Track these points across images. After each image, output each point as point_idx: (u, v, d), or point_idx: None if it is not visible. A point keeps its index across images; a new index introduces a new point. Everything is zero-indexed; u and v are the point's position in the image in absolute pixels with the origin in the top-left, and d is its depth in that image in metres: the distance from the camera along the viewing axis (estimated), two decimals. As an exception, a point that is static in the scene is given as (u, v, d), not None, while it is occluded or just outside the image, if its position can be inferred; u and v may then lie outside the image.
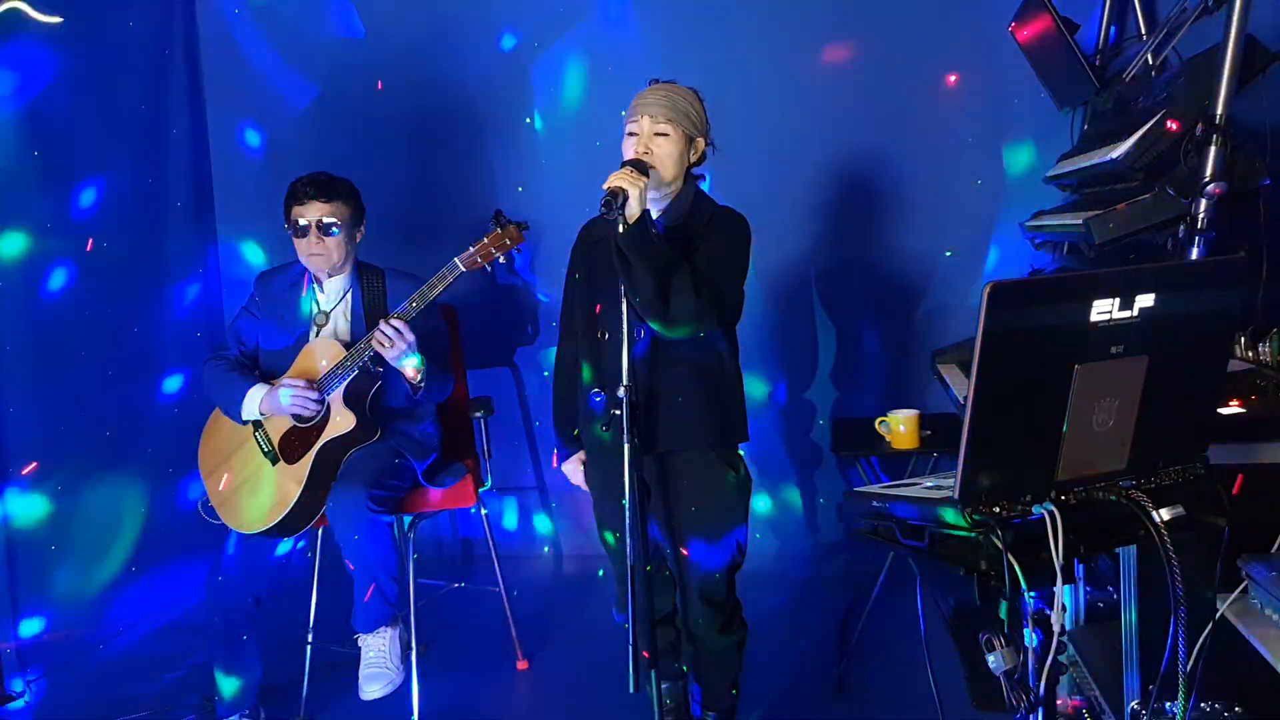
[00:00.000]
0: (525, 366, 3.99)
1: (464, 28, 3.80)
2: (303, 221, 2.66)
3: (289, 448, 2.66)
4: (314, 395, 2.61)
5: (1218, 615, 1.67)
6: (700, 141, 2.25)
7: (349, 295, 2.77)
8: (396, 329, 2.49)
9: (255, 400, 2.66)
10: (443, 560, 4.08)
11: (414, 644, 2.73)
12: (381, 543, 2.57)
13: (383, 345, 2.50)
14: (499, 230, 2.46)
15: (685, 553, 2.27)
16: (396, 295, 2.72)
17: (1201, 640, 1.59)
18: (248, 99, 3.96)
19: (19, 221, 3.12)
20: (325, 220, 2.66)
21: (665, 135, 2.17)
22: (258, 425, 2.71)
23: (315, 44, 3.90)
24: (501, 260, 2.47)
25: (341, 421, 2.61)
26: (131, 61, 3.59)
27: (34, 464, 3.12)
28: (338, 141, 3.87)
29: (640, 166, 2.09)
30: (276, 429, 2.69)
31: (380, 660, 2.63)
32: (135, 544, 3.51)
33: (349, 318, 2.76)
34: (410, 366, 2.57)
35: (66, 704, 3.03)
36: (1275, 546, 1.72)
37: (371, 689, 2.60)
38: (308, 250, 2.68)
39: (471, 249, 2.48)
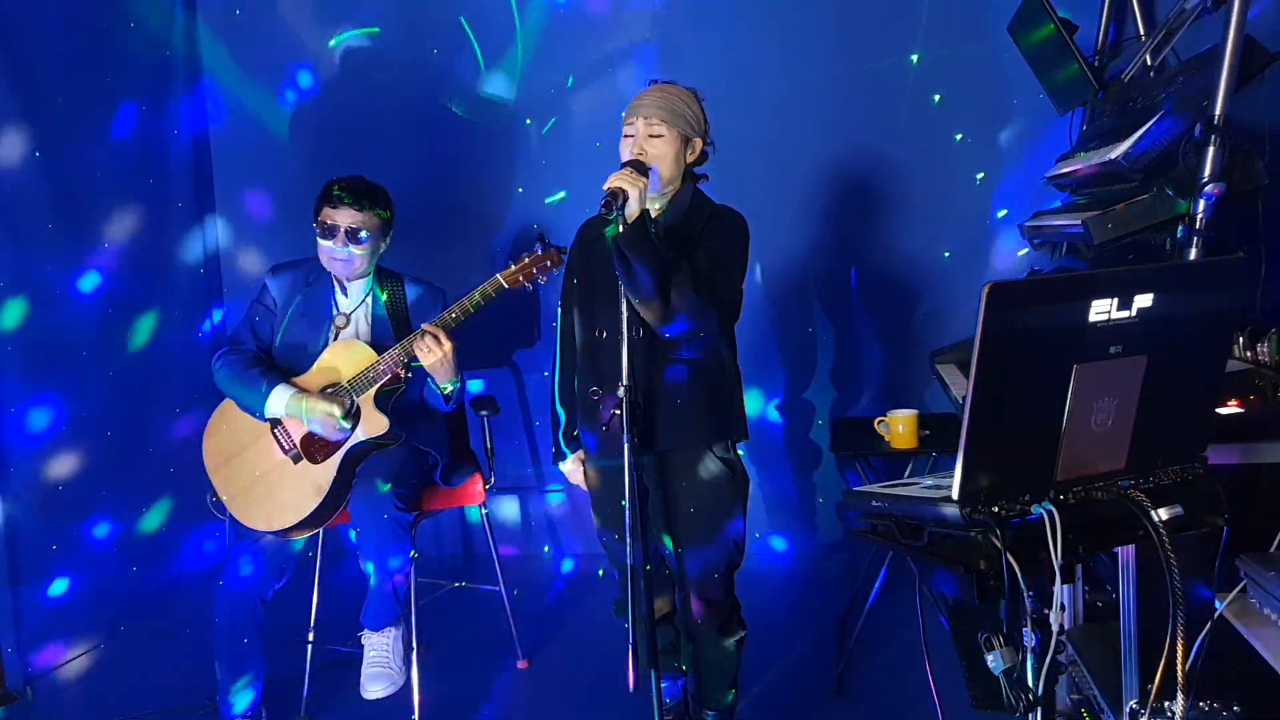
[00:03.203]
0: (525, 366, 3.99)
1: (465, 28, 3.81)
2: (331, 223, 2.64)
3: (313, 448, 2.63)
4: (347, 428, 2.58)
5: (1216, 615, 1.67)
6: (697, 142, 2.25)
7: (369, 299, 2.76)
8: (436, 337, 2.50)
9: (282, 401, 2.59)
10: (443, 560, 4.09)
11: (414, 644, 2.73)
12: (403, 541, 2.58)
13: (423, 352, 2.51)
14: (540, 252, 2.51)
15: (683, 552, 2.27)
16: (416, 300, 2.74)
17: (1200, 640, 1.59)
18: (249, 99, 3.96)
19: (20, 221, 3.12)
20: (355, 227, 2.64)
21: (660, 136, 2.17)
22: (275, 422, 2.67)
23: (315, 45, 3.90)
24: (542, 281, 2.53)
25: (375, 425, 2.59)
26: (132, 62, 3.60)
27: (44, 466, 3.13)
28: (337, 142, 3.87)
29: (640, 167, 2.10)
30: (299, 428, 2.64)
31: (383, 660, 2.63)
32: (136, 544, 3.51)
33: (369, 320, 2.75)
34: (444, 375, 2.58)
35: (66, 704, 3.03)
36: (1275, 546, 1.72)
37: (374, 689, 2.61)
38: (332, 254, 2.66)
39: (514, 266, 2.52)
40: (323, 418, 2.56)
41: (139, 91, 3.62)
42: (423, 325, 2.53)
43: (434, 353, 2.50)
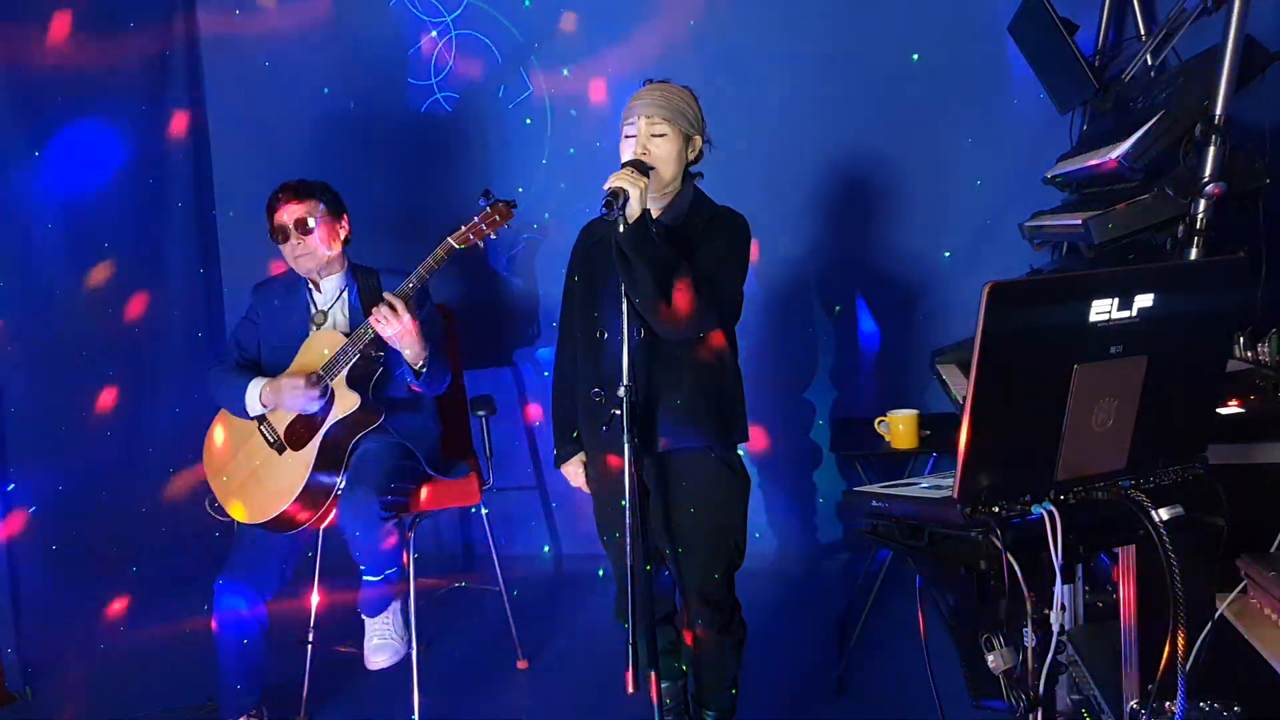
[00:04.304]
0: (525, 366, 3.99)
1: (465, 28, 3.81)
2: (281, 225, 2.70)
3: (295, 435, 2.67)
4: (314, 394, 2.62)
5: (1217, 615, 1.67)
6: (697, 140, 2.24)
7: (346, 293, 2.80)
8: (392, 305, 2.50)
9: (256, 392, 2.68)
10: (443, 560, 4.09)
11: (414, 644, 2.73)
12: (394, 540, 2.60)
13: (380, 323, 2.51)
14: (488, 208, 2.50)
15: (684, 553, 2.27)
16: (390, 286, 2.74)
17: (1201, 640, 1.59)
18: (248, 99, 3.96)
19: (19, 221, 3.12)
20: (301, 218, 2.69)
21: (663, 135, 2.17)
22: (262, 420, 2.73)
23: (315, 45, 3.90)
24: (493, 237, 2.52)
25: (346, 403, 2.62)
26: (132, 61, 3.59)
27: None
28: (338, 142, 3.87)
29: (640, 167, 2.09)
30: (281, 420, 2.70)
31: (385, 632, 2.65)
32: (137, 545, 3.51)
33: (347, 313, 2.78)
34: (409, 349, 2.58)
35: (67, 704, 3.03)
36: (1275, 546, 1.72)
37: (379, 659, 2.63)
38: (293, 253, 2.72)
39: (463, 228, 2.52)
40: (289, 389, 2.62)
41: (139, 93, 3.62)
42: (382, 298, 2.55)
43: (392, 323, 2.50)
